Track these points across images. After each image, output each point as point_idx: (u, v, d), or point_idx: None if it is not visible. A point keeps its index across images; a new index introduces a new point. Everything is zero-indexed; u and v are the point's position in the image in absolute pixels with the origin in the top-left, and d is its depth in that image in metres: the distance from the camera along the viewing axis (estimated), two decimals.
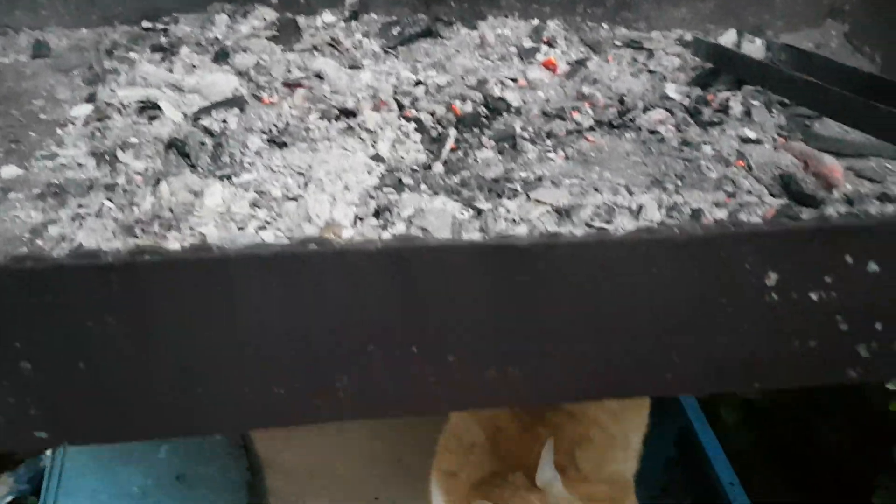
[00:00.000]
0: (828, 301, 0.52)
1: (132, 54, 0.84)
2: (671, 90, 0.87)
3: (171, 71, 0.80)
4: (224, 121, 0.74)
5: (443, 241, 0.44)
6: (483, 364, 0.51)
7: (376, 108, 0.79)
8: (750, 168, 0.74)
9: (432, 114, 0.80)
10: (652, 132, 0.80)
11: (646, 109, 0.83)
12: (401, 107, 0.81)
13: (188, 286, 0.42)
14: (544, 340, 0.50)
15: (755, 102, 0.85)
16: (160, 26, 0.88)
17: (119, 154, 0.68)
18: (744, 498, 1.31)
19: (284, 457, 1.30)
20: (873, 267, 0.51)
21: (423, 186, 0.69)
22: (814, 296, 0.52)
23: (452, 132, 0.76)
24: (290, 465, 1.29)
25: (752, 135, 0.79)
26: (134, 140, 0.69)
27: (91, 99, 0.78)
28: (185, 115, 0.74)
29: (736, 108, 0.84)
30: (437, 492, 1.06)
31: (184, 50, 0.83)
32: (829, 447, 1.50)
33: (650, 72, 0.94)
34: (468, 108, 0.82)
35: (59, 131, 0.73)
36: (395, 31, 0.93)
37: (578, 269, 0.46)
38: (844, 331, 0.54)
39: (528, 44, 0.96)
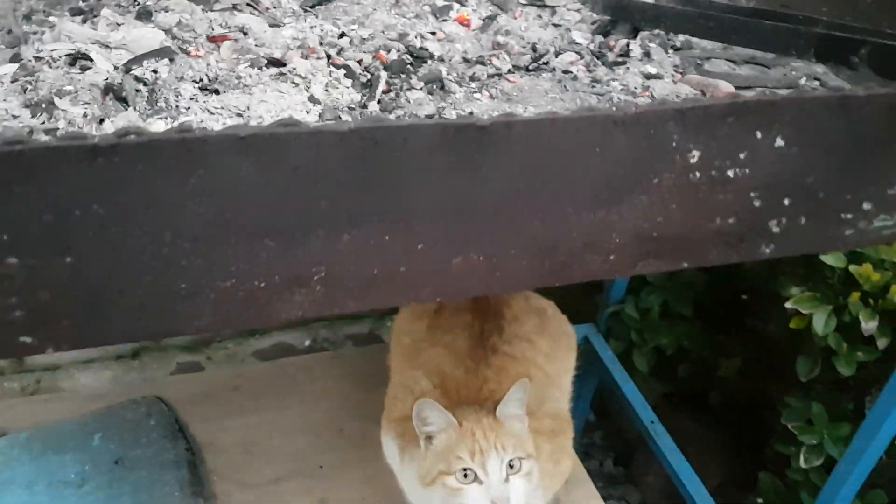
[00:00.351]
0: (742, 177, 0.59)
1: (52, 18, 0.83)
2: (578, 37, 0.94)
3: (95, 29, 0.80)
4: (155, 71, 0.75)
5: (412, 121, 0.47)
6: (449, 252, 0.54)
7: (305, 57, 0.82)
8: (654, 98, 0.82)
9: (360, 62, 0.83)
10: (565, 72, 0.87)
11: (557, 54, 0.90)
12: (328, 56, 0.83)
13: (171, 169, 0.44)
14: (502, 224, 0.55)
15: (652, 45, 0.92)
16: None
17: (56, 101, 0.67)
18: (665, 434, 1.40)
19: (221, 437, 1.29)
20: (779, 142, 0.58)
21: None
22: (731, 173, 0.58)
23: (384, 75, 0.80)
24: (228, 443, 1.29)
25: (653, 71, 0.87)
26: (69, 88, 0.69)
27: (15, 59, 0.77)
28: (116, 67, 0.75)
29: (636, 51, 0.92)
30: (390, 438, 1.09)
31: (105, 11, 0.83)
32: (733, 386, 1.61)
33: (555, 25, 1.01)
34: (393, 56, 0.85)
35: None
36: None
37: (531, 146, 0.51)
38: (758, 207, 0.61)
39: (440, 2, 1.01)
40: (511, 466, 0.99)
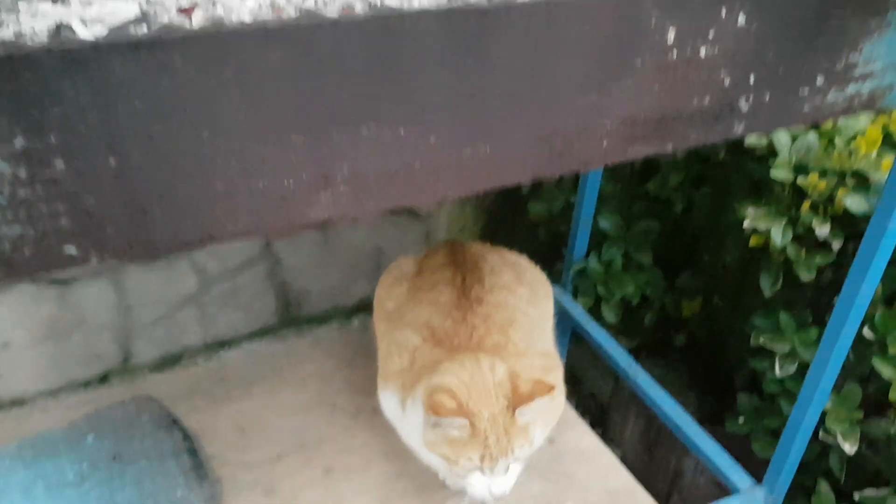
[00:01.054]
0: (713, 56, 0.64)
1: (21, 4, 0.84)
2: None
3: (68, 7, 0.81)
4: None
5: (421, 6, 0.51)
6: (459, 143, 0.58)
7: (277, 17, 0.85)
8: None
9: None
10: None
11: None
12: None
13: (207, 62, 0.46)
14: (505, 112, 0.58)
15: None
16: None
17: None
18: (644, 373, 1.45)
19: (214, 424, 1.29)
20: (741, 19, 0.63)
21: None
22: (702, 51, 0.64)
23: None
24: (223, 429, 1.28)
25: None
26: None
27: None
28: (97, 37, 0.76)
29: None
30: (389, 393, 1.11)
31: None
32: (696, 325, 1.68)
33: None
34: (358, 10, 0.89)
35: None
36: None
37: (528, 30, 0.55)
38: (728, 86, 0.67)
39: None
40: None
